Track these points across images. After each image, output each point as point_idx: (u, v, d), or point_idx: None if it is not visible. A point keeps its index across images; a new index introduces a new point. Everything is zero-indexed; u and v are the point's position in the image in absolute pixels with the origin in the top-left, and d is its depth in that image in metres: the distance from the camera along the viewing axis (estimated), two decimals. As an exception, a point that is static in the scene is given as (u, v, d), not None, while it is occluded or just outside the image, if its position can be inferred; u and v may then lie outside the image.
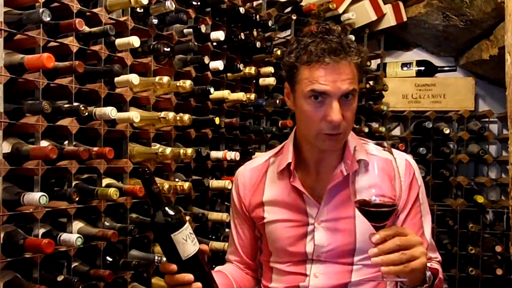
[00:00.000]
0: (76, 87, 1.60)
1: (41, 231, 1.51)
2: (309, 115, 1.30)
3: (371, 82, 3.19)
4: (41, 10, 1.41)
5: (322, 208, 1.37)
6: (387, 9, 3.03)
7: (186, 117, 1.80)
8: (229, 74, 2.28)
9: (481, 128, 3.10)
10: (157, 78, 1.80)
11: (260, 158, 1.56)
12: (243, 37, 2.22)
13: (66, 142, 1.60)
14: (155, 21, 1.88)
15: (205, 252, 1.26)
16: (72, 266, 1.59)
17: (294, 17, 2.66)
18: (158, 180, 1.88)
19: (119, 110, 1.69)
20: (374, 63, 3.28)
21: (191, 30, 2.04)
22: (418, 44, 3.41)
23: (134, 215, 1.83)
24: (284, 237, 1.41)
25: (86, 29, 1.62)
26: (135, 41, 1.69)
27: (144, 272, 1.81)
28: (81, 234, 1.53)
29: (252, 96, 2.23)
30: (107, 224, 1.72)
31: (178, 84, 1.84)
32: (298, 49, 1.31)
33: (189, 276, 1.19)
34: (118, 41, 1.71)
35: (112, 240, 1.57)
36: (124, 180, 1.78)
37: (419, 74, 3.26)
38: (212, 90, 2.00)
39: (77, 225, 1.62)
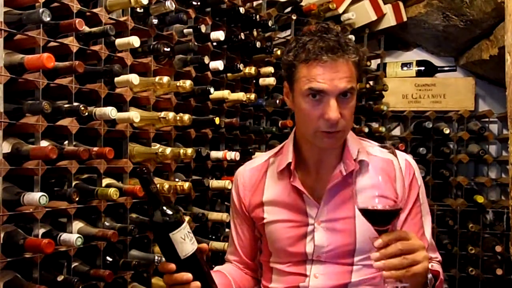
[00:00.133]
0: (76, 87, 1.60)
1: (41, 231, 1.51)
2: (307, 113, 1.30)
3: (371, 82, 3.19)
4: (41, 10, 1.41)
5: (321, 208, 1.37)
6: (387, 9, 3.03)
7: (186, 117, 1.80)
8: (229, 74, 2.28)
9: (481, 128, 3.10)
10: (157, 78, 1.80)
11: (259, 158, 1.56)
12: (243, 37, 2.22)
13: (66, 142, 1.60)
14: (155, 21, 1.88)
15: (204, 252, 1.26)
16: (72, 266, 1.59)
17: (294, 17, 2.66)
18: (158, 180, 1.88)
19: (119, 110, 1.69)
20: (374, 63, 3.28)
21: (191, 30, 2.04)
22: (418, 44, 3.41)
23: (134, 215, 1.83)
24: (284, 238, 1.41)
25: (86, 29, 1.62)
26: (135, 41, 1.69)
27: (144, 272, 1.81)
28: (81, 234, 1.53)
29: (252, 96, 2.23)
30: (107, 224, 1.72)
31: (178, 84, 1.84)
32: (296, 48, 1.31)
33: (188, 275, 1.18)
34: (118, 41, 1.71)
35: (112, 240, 1.57)
36: (124, 180, 1.78)
37: (419, 74, 3.26)
38: (212, 90, 2.00)
39: (77, 225, 1.62)
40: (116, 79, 1.71)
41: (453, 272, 3.03)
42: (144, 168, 1.19)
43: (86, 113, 1.52)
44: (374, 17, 2.98)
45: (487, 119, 3.18)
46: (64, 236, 1.50)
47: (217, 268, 1.54)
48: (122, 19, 1.78)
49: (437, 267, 1.39)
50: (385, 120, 3.23)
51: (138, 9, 1.83)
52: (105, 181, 1.71)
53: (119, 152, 1.75)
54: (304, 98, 1.30)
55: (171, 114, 1.77)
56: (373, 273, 1.34)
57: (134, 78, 1.70)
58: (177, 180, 1.99)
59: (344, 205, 1.36)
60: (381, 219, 1.11)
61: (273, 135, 2.50)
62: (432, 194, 3.11)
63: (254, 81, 2.43)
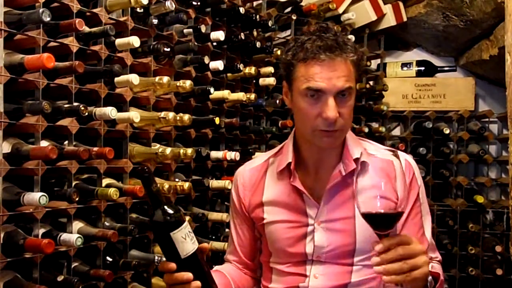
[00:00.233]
0: (76, 87, 1.59)
1: (41, 231, 1.51)
2: (305, 112, 1.30)
3: (371, 82, 3.18)
4: (41, 10, 1.41)
5: (321, 209, 1.37)
6: (387, 9, 3.03)
7: (186, 117, 1.80)
8: (229, 74, 2.28)
9: (481, 128, 3.10)
10: (157, 78, 1.80)
11: (259, 158, 1.56)
12: (243, 37, 2.22)
13: (66, 142, 1.60)
14: (155, 21, 1.88)
15: (204, 251, 1.26)
16: (72, 266, 1.59)
17: (294, 17, 2.66)
18: (158, 180, 1.88)
19: (119, 110, 1.69)
20: (374, 63, 3.28)
21: (191, 30, 2.04)
22: (418, 44, 3.41)
23: (134, 215, 1.83)
24: (283, 238, 1.40)
25: (86, 29, 1.62)
26: (135, 41, 1.69)
27: (144, 272, 1.81)
28: (81, 234, 1.53)
29: (252, 96, 2.23)
30: (107, 224, 1.72)
31: (178, 84, 1.84)
32: (295, 47, 1.31)
33: (188, 275, 1.18)
34: (118, 41, 1.71)
35: (112, 240, 1.57)
36: (124, 180, 1.78)
37: (419, 74, 3.26)
38: (212, 90, 2.00)
39: (77, 225, 1.62)
40: (116, 79, 1.71)
41: (453, 272, 3.03)
42: (145, 168, 1.19)
43: (86, 113, 1.52)
44: (374, 17, 2.97)
45: (487, 119, 3.18)
46: (64, 236, 1.50)
47: (216, 268, 1.53)
48: (122, 19, 1.78)
49: (437, 267, 1.39)
50: (385, 120, 3.23)
51: (138, 9, 1.83)
52: (105, 181, 1.71)
53: (119, 152, 1.75)
54: (302, 97, 1.30)
55: (171, 114, 1.77)
56: (373, 273, 1.33)
57: (134, 78, 1.70)
58: (177, 180, 1.99)
59: (344, 205, 1.36)
60: (383, 223, 1.11)
61: (273, 135, 2.49)
62: (432, 194, 3.11)
63: (254, 81, 2.43)
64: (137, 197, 1.69)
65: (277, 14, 2.61)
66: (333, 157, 1.39)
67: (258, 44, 2.32)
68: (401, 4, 3.07)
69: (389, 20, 3.05)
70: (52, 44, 1.57)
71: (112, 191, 1.57)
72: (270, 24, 2.37)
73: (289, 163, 1.40)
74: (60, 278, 1.49)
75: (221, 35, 2.07)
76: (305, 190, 1.38)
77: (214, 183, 2.08)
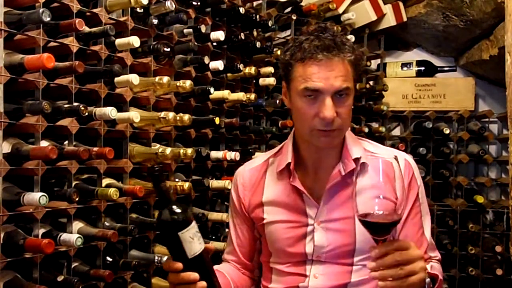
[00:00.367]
0: (76, 87, 1.60)
1: (41, 231, 1.51)
2: (303, 112, 1.30)
3: (371, 82, 3.18)
4: (41, 10, 1.41)
5: (321, 208, 1.37)
6: (387, 9, 3.03)
7: (186, 117, 1.80)
8: (229, 74, 2.28)
9: (481, 128, 3.10)
10: (157, 78, 1.80)
11: (259, 158, 1.56)
12: (243, 37, 2.22)
13: (66, 142, 1.60)
14: (155, 21, 1.88)
15: (210, 252, 1.26)
16: (72, 266, 1.59)
17: (294, 17, 2.66)
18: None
19: (119, 110, 1.69)
20: (374, 63, 3.28)
21: (191, 30, 2.04)
22: (418, 44, 3.41)
23: (134, 215, 1.83)
24: (283, 238, 1.41)
25: (86, 29, 1.62)
26: (135, 41, 1.69)
27: (144, 272, 1.81)
28: (81, 234, 1.53)
29: (252, 96, 2.23)
30: (107, 224, 1.72)
31: (178, 84, 1.84)
32: (293, 47, 1.32)
33: (195, 275, 1.18)
34: (118, 41, 1.72)
35: (112, 240, 1.57)
36: (124, 180, 1.78)
37: (419, 74, 3.26)
38: (212, 90, 2.00)
39: (77, 225, 1.62)
40: (116, 79, 1.71)
41: (453, 272, 3.03)
42: (155, 166, 1.19)
43: (86, 113, 1.52)
44: (374, 17, 2.97)
45: (487, 119, 3.18)
46: (64, 236, 1.50)
47: (215, 267, 1.53)
48: (122, 19, 1.78)
49: (436, 266, 1.39)
50: (385, 120, 3.23)
51: (138, 9, 1.83)
52: (105, 181, 1.71)
53: (119, 152, 1.75)
54: (300, 97, 1.30)
55: (171, 114, 1.77)
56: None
57: (134, 78, 1.70)
58: (177, 180, 1.99)
59: (343, 205, 1.36)
60: (380, 229, 1.11)
61: (273, 135, 2.49)
62: (432, 194, 3.11)
63: (254, 81, 2.43)
64: (137, 197, 1.69)
65: (277, 14, 2.61)
66: (332, 157, 1.39)
67: (258, 44, 2.32)
68: (401, 4, 3.07)
69: (389, 20, 3.05)
70: (52, 44, 1.57)
71: (112, 191, 1.57)
72: (270, 24, 2.37)
73: (289, 163, 1.40)
74: (60, 278, 1.49)
75: (221, 35, 2.07)
76: (305, 190, 1.38)
77: (214, 183, 2.08)
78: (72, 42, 1.59)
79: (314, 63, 1.27)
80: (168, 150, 1.80)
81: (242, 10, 2.21)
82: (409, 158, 1.44)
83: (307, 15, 2.74)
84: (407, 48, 3.45)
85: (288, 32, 2.76)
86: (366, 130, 2.95)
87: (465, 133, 3.10)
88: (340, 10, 2.86)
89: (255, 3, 2.47)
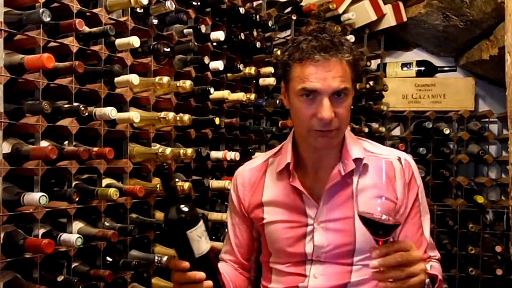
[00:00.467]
0: (76, 87, 1.60)
1: (41, 231, 1.51)
2: (301, 113, 1.30)
3: (371, 82, 3.18)
4: (41, 10, 1.41)
5: (321, 209, 1.37)
6: (387, 9, 3.03)
7: (186, 117, 1.80)
8: (229, 74, 2.28)
9: (481, 128, 3.10)
10: (157, 78, 1.80)
11: (259, 158, 1.56)
12: (243, 37, 2.22)
13: (66, 142, 1.60)
14: (155, 21, 1.88)
15: (216, 251, 1.26)
16: (72, 266, 1.59)
17: (294, 17, 2.66)
18: (158, 180, 1.88)
19: (119, 110, 1.69)
20: (374, 63, 3.28)
21: (191, 30, 2.04)
22: (418, 44, 3.41)
23: (134, 215, 1.83)
24: (283, 238, 1.41)
25: (86, 29, 1.62)
26: (135, 41, 1.69)
27: (144, 272, 1.81)
28: (81, 234, 1.53)
29: (252, 96, 2.23)
30: (107, 224, 1.72)
31: (178, 84, 1.84)
32: (291, 47, 1.32)
33: (201, 274, 1.17)
34: (118, 41, 1.72)
35: (112, 240, 1.57)
36: (124, 180, 1.78)
37: (419, 74, 3.26)
38: (212, 90, 2.00)
39: (77, 225, 1.62)
40: (116, 79, 1.71)
41: (453, 272, 3.03)
42: (165, 164, 1.19)
43: (86, 113, 1.52)
44: (374, 17, 2.98)
45: (487, 119, 3.18)
46: (64, 236, 1.50)
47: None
48: (122, 19, 1.78)
49: (436, 266, 1.39)
50: (385, 120, 3.23)
51: (138, 9, 1.83)
52: (105, 181, 1.71)
53: (119, 152, 1.75)
54: (298, 97, 1.30)
55: (171, 114, 1.77)
56: (373, 273, 1.35)
57: (134, 78, 1.70)
58: (177, 180, 1.99)
59: (343, 205, 1.36)
60: (381, 230, 1.10)
61: (273, 135, 2.50)
62: (432, 194, 3.11)
63: (254, 81, 2.43)
64: (137, 197, 1.69)
65: (277, 14, 2.61)
66: (332, 157, 1.39)
67: (258, 44, 2.32)
68: (401, 4, 3.07)
69: (389, 20, 3.05)
70: (52, 44, 1.57)
71: (112, 191, 1.57)
72: (270, 24, 2.37)
73: (288, 164, 1.40)
74: (60, 278, 1.49)
75: (221, 35, 2.07)
76: (305, 190, 1.38)
77: (214, 183, 2.08)
78: (72, 42, 1.59)
79: (311, 64, 1.27)
80: (168, 150, 1.80)
81: (242, 10, 2.21)
82: (409, 158, 1.44)
83: (307, 15, 2.74)
84: (407, 48, 3.46)
85: (288, 32, 2.76)
86: (366, 130, 2.95)
87: (465, 133, 3.10)
88: (340, 10, 2.86)
89: (255, 3, 2.47)
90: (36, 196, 1.38)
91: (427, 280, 1.18)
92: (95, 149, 1.58)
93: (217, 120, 2.01)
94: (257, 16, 2.31)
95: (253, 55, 2.43)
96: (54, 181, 1.67)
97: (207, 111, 2.15)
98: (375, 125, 3.19)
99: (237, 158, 2.11)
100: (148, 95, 1.88)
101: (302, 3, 2.70)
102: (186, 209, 1.17)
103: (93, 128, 1.67)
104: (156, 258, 1.78)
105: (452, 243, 3.03)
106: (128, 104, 1.78)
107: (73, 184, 1.59)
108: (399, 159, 1.14)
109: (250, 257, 1.55)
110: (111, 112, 1.59)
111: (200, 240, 1.16)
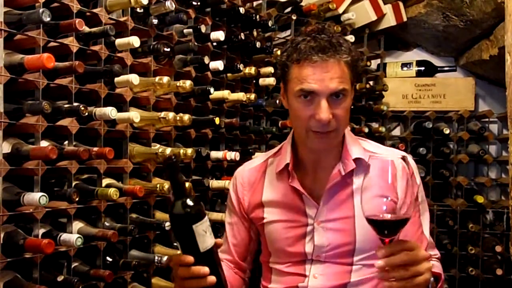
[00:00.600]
0: (76, 87, 1.60)
1: (41, 231, 1.51)
2: (299, 114, 1.30)
3: (371, 82, 3.18)
4: (41, 10, 1.41)
5: (321, 209, 1.37)
6: (387, 9, 3.03)
7: (186, 117, 1.80)
8: (229, 74, 2.28)
9: (481, 128, 3.10)
10: (157, 78, 1.80)
11: (258, 158, 1.56)
12: (243, 37, 2.22)
13: (66, 142, 1.60)
14: (155, 21, 1.88)
15: (219, 246, 1.26)
16: (72, 266, 1.59)
17: (294, 17, 2.66)
18: (158, 180, 1.88)
19: (119, 110, 1.69)
20: (374, 63, 3.28)
21: (191, 30, 2.04)
22: (418, 44, 3.41)
23: (134, 215, 1.83)
24: (283, 238, 1.41)
25: (86, 29, 1.62)
26: (135, 41, 1.69)
27: (144, 272, 1.80)
28: (81, 234, 1.53)
29: (252, 96, 2.23)
30: (107, 224, 1.72)
31: (178, 84, 1.84)
32: (290, 48, 1.31)
33: (205, 269, 1.16)
34: (118, 41, 1.72)
35: (112, 240, 1.57)
36: (124, 180, 1.78)
37: (419, 74, 3.26)
38: (212, 90, 2.00)
39: (77, 225, 1.62)
40: (116, 79, 1.71)
41: (453, 272, 3.03)
42: (172, 156, 1.18)
43: (86, 113, 1.52)
44: (374, 17, 2.97)
45: (487, 119, 3.18)
46: (64, 236, 1.50)
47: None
48: (122, 19, 1.78)
49: (437, 265, 1.39)
50: (385, 120, 3.23)
51: (138, 9, 1.83)
52: (105, 181, 1.71)
53: (119, 152, 1.75)
54: (296, 98, 1.30)
55: (171, 114, 1.77)
56: (373, 273, 1.34)
57: (134, 78, 1.70)
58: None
59: (343, 205, 1.36)
60: (388, 229, 1.10)
61: (273, 135, 2.49)
62: (432, 194, 3.11)
63: (254, 81, 2.43)
64: (137, 197, 1.69)
65: (277, 14, 2.61)
66: (331, 157, 1.39)
67: (258, 44, 2.31)
68: (401, 4, 3.07)
69: (389, 20, 3.05)
70: (52, 44, 1.57)
71: (112, 191, 1.57)
72: (270, 24, 2.37)
73: (287, 164, 1.40)
74: (60, 278, 1.49)
75: (221, 35, 2.07)
76: (304, 190, 1.38)
77: (214, 183, 2.08)
78: (72, 42, 1.59)
79: (309, 65, 1.26)
80: (168, 150, 1.80)
81: (242, 10, 2.21)
82: (409, 157, 1.44)
83: (307, 15, 2.74)
84: (407, 48, 3.45)
85: (288, 32, 2.75)
86: (366, 130, 2.95)
87: (465, 133, 3.10)
88: (340, 10, 2.86)
89: (255, 3, 2.47)
90: (36, 196, 1.38)
91: (431, 279, 1.18)
92: (95, 149, 1.58)
93: (217, 120, 2.01)
94: (257, 16, 2.31)
95: (253, 55, 2.43)
96: (54, 181, 1.67)
97: (207, 111, 2.15)
98: (375, 125, 3.18)
99: (237, 158, 2.11)
100: (148, 95, 1.87)
101: (302, 3, 2.70)
102: (192, 203, 1.16)
103: (93, 128, 1.67)
104: (156, 258, 1.78)
105: (452, 243, 3.03)
106: (128, 104, 1.78)
107: (73, 184, 1.59)
108: (401, 158, 1.14)
109: (247, 257, 1.55)
110: (111, 112, 1.59)
111: (205, 235, 1.16)
